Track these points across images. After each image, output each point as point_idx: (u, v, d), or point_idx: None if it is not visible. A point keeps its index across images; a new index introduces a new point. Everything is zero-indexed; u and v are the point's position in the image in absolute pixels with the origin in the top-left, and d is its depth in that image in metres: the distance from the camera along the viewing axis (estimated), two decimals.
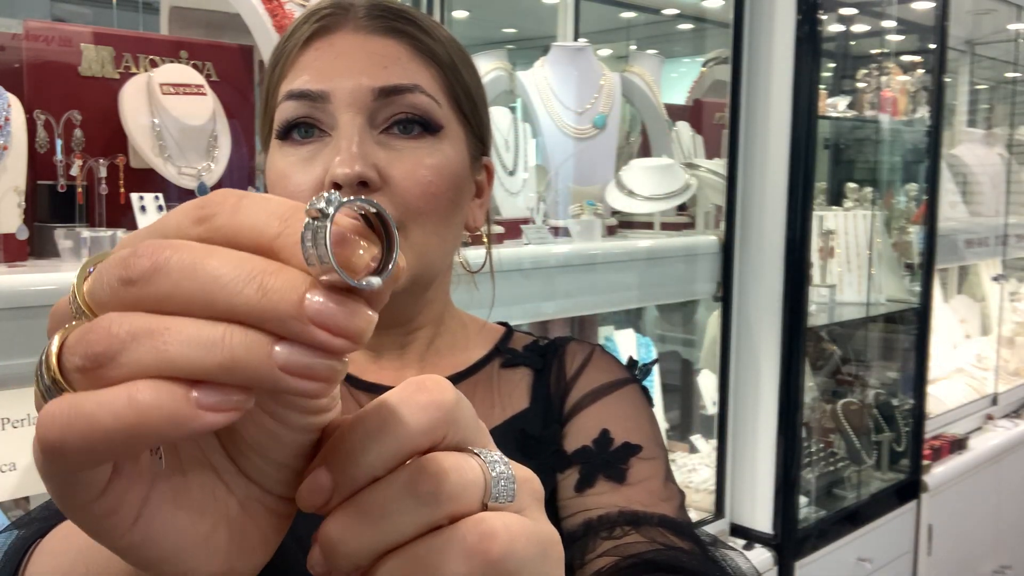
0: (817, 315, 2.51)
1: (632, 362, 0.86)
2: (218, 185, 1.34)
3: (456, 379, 0.77)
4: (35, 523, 0.55)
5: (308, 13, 0.74)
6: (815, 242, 2.45)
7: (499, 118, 2.04)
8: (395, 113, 0.69)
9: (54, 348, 0.28)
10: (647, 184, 2.05)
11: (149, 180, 1.30)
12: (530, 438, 0.75)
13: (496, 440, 0.35)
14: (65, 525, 0.47)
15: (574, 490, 0.72)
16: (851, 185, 2.76)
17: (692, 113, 2.57)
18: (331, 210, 0.27)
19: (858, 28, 2.93)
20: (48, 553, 0.47)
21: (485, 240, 0.84)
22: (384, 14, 0.72)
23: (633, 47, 3.06)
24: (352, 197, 0.29)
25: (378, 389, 0.74)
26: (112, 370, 0.27)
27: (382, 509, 0.30)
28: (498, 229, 1.75)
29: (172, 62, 1.35)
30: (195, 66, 1.37)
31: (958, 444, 2.92)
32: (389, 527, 0.30)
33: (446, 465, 0.31)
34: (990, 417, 3.19)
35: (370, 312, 0.28)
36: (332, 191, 0.28)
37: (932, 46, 2.76)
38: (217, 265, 0.27)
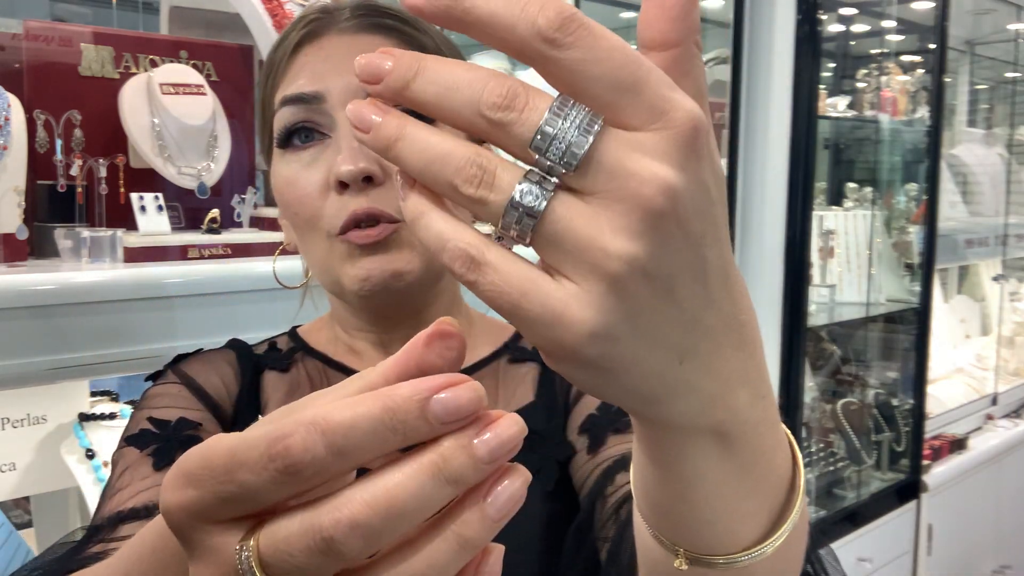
0: (817, 315, 2.51)
1: None
2: (218, 185, 1.34)
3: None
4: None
5: (295, 22, 0.76)
6: (815, 242, 2.45)
7: None
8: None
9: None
10: None
11: (149, 180, 1.30)
12: (533, 432, 0.75)
13: None
14: None
15: (587, 453, 0.73)
16: (851, 185, 2.76)
17: None
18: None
19: (858, 28, 2.93)
20: None
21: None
22: (368, 12, 0.74)
23: (633, 47, 3.06)
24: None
25: None
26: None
27: None
28: None
29: (172, 62, 1.35)
30: (195, 66, 1.37)
31: (958, 444, 2.92)
32: None
33: None
34: (990, 417, 3.19)
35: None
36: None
37: (932, 46, 2.76)
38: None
